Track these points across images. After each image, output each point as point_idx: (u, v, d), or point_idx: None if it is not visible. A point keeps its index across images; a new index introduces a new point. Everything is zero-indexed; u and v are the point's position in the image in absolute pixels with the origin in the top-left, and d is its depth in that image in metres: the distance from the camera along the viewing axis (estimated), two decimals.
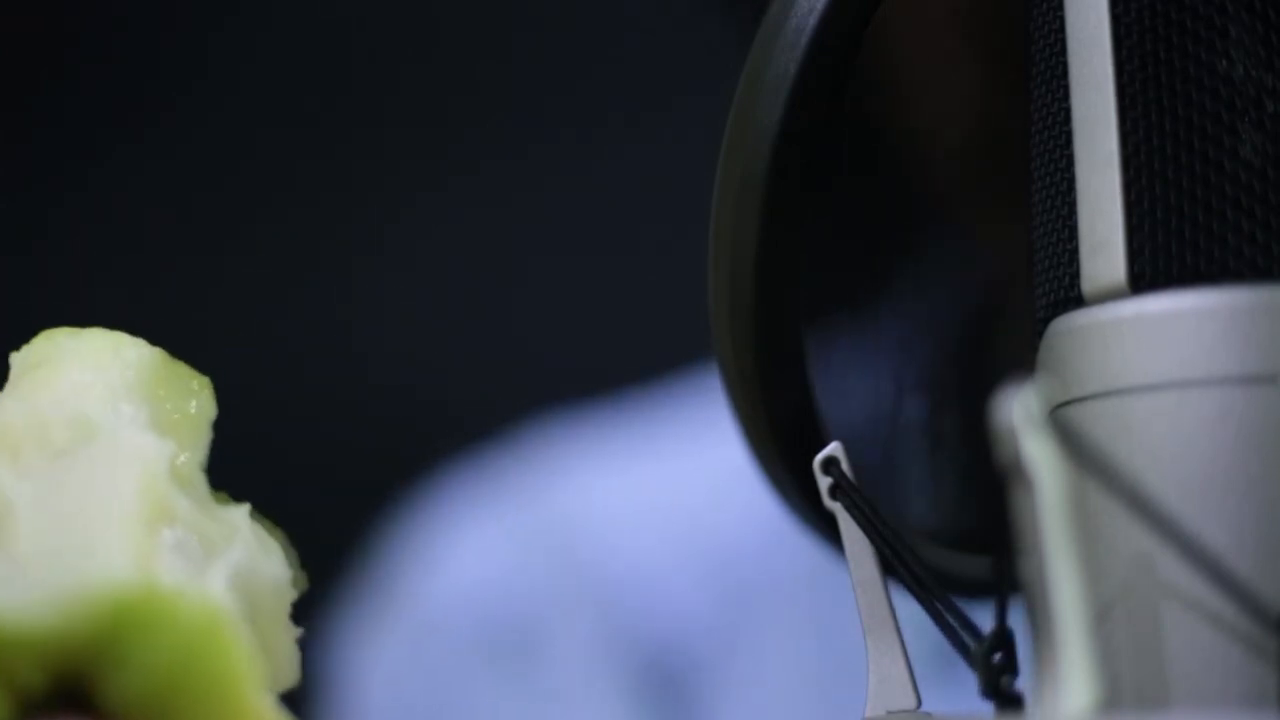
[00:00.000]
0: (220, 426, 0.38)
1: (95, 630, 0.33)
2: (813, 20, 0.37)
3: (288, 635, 0.36)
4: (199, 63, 1.34)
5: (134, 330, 0.38)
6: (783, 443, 0.39)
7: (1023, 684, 0.34)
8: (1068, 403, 0.35)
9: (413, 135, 1.32)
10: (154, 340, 0.38)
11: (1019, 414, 0.31)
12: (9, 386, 0.37)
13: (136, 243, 1.32)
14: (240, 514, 0.37)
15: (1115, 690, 0.33)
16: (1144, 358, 0.34)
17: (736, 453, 0.73)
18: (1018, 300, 0.41)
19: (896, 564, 0.37)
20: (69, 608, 0.33)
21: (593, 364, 0.95)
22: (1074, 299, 0.35)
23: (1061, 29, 0.36)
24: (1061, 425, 0.33)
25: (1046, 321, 0.36)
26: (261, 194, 1.32)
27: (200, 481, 0.36)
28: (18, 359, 0.37)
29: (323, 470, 1.23)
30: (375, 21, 1.32)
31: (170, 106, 1.34)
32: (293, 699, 0.36)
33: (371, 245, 1.28)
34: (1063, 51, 0.36)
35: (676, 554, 0.61)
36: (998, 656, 0.34)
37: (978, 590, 0.40)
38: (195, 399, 0.37)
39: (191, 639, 0.33)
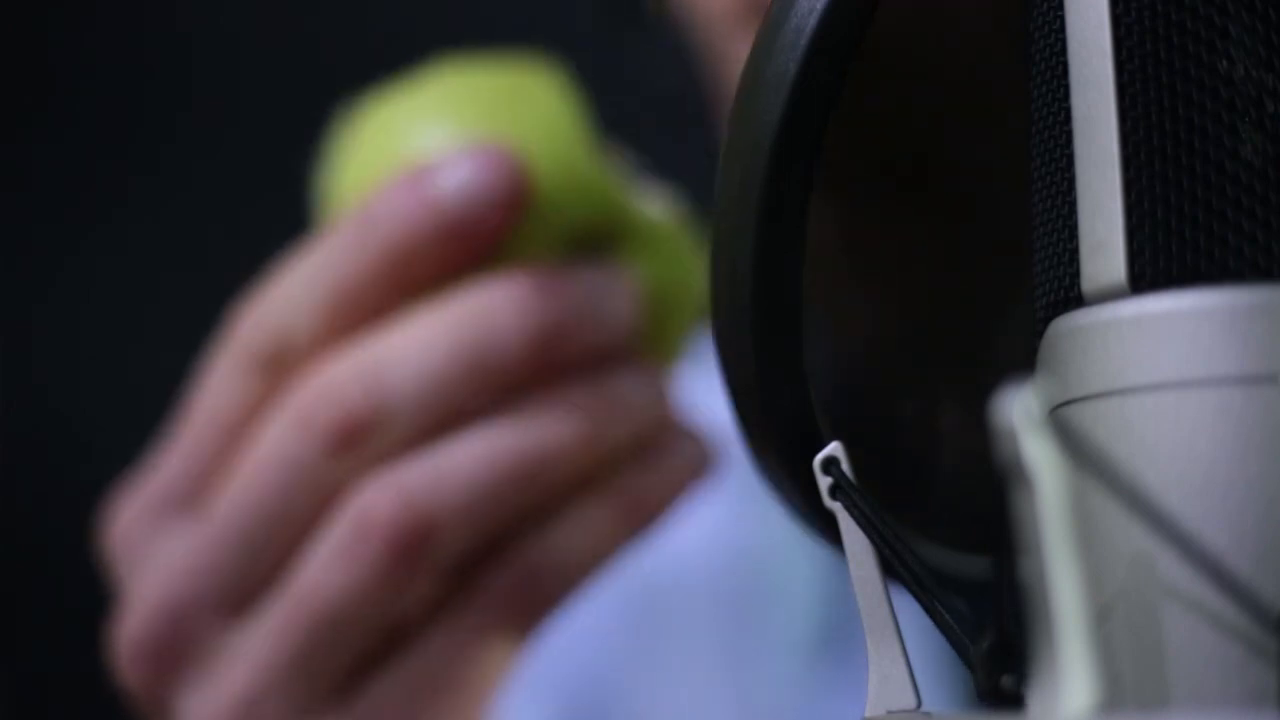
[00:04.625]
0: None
1: None
2: (813, 20, 0.37)
3: None
4: None
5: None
6: (783, 443, 0.39)
7: (1023, 684, 0.34)
8: (1068, 403, 0.35)
9: None
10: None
11: (1019, 414, 0.31)
12: None
13: None
14: None
15: (1115, 690, 0.33)
16: (1144, 358, 0.34)
17: None
18: (1018, 300, 0.41)
19: (896, 564, 0.37)
20: None
21: None
22: (1074, 299, 0.35)
23: (1061, 29, 0.36)
24: (1061, 425, 0.33)
25: (1046, 321, 0.36)
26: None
27: None
28: None
29: None
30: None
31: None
32: None
33: None
34: (1063, 51, 0.36)
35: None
36: (997, 656, 0.34)
37: (978, 590, 0.40)
38: None
39: None
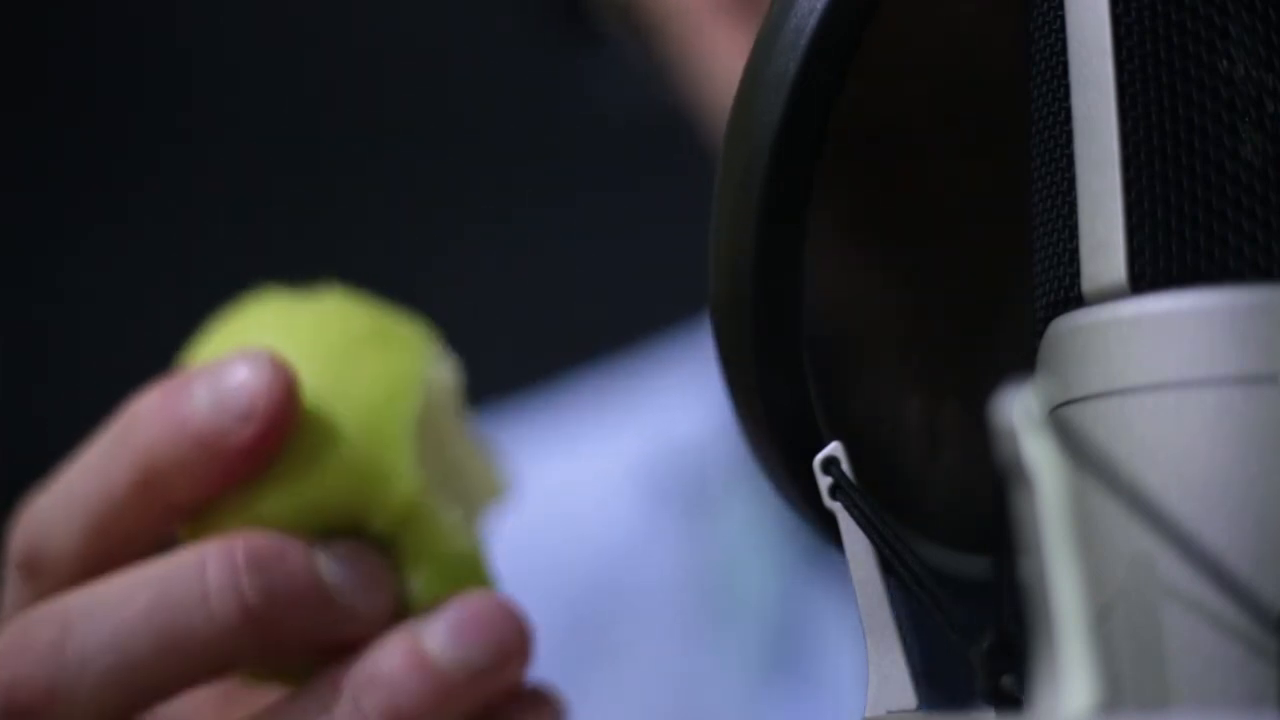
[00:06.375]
0: None
1: None
2: (813, 20, 0.37)
3: None
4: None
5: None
6: (783, 443, 0.39)
7: (1023, 684, 0.34)
8: (1068, 403, 0.35)
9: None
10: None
11: (1019, 414, 0.31)
12: None
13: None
14: None
15: (1115, 690, 0.33)
16: (1144, 358, 0.34)
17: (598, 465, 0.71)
18: (1018, 300, 0.41)
19: (896, 564, 0.37)
20: None
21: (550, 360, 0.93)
22: (1074, 299, 0.35)
23: (1061, 29, 0.36)
24: (1061, 425, 0.33)
25: (1046, 321, 0.36)
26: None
27: None
28: None
29: None
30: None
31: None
32: None
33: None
34: (1063, 51, 0.36)
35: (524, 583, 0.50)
36: (997, 656, 0.34)
37: (978, 590, 0.40)
38: None
39: None
